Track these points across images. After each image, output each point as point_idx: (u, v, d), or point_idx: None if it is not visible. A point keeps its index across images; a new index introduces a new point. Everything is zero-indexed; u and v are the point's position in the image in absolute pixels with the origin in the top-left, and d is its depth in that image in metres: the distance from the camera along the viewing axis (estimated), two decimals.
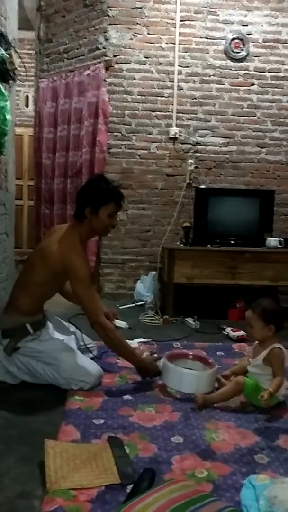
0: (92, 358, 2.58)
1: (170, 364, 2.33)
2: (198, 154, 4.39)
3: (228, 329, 3.45)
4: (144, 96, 4.33)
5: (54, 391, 2.29)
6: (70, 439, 1.84)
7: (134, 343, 3.03)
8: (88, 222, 2.37)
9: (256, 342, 2.29)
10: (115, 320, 2.69)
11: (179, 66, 4.30)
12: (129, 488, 1.52)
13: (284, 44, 4.36)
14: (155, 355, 2.65)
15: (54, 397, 2.24)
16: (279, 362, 2.15)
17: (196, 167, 4.37)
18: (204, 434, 1.91)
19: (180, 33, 4.27)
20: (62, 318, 2.70)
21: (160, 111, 4.35)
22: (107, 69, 4.26)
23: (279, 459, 1.75)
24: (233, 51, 4.31)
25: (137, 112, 4.34)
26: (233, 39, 4.31)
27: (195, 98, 4.36)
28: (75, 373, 2.28)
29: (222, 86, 4.36)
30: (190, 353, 2.59)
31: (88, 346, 2.63)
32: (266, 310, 2.20)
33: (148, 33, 4.27)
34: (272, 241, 3.96)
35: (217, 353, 2.99)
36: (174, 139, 4.38)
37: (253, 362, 2.25)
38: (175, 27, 4.25)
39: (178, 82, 4.32)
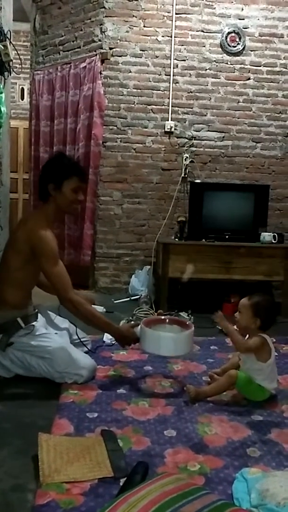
0: (86, 352, 2.59)
1: (148, 329, 2.31)
2: (194, 149, 4.38)
3: None
4: (139, 89, 4.30)
5: (48, 384, 2.30)
6: (63, 433, 1.85)
7: None
8: (53, 200, 2.38)
9: (246, 337, 2.31)
10: (92, 305, 2.70)
11: (175, 59, 4.28)
12: (122, 481, 1.53)
13: (280, 39, 4.35)
14: (132, 322, 2.66)
15: (48, 390, 2.25)
16: (256, 340, 2.19)
17: (191, 162, 4.36)
18: (197, 428, 1.93)
19: (176, 26, 4.24)
20: (55, 311, 2.70)
21: (155, 105, 4.33)
22: (102, 61, 4.23)
23: (271, 453, 1.77)
24: (229, 45, 4.29)
25: (133, 105, 4.32)
26: (229, 33, 4.28)
27: (191, 92, 4.34)
28: (69, 367, 2.29)
29: (218, 80, 4.35)
30: (167, 318, 2.58)
31: (82, 340, 2.63)
32: (260, 304, 2.22)
33: (144, 26, 4.24)
34: (267, 236, 3.98)
35: (211, 347, 3.01)
36: (169, 133, 4.36)
37: (244, 358, 2.27)
38: (171, 20, 4.23)
39: (174, 75, 4.30)
